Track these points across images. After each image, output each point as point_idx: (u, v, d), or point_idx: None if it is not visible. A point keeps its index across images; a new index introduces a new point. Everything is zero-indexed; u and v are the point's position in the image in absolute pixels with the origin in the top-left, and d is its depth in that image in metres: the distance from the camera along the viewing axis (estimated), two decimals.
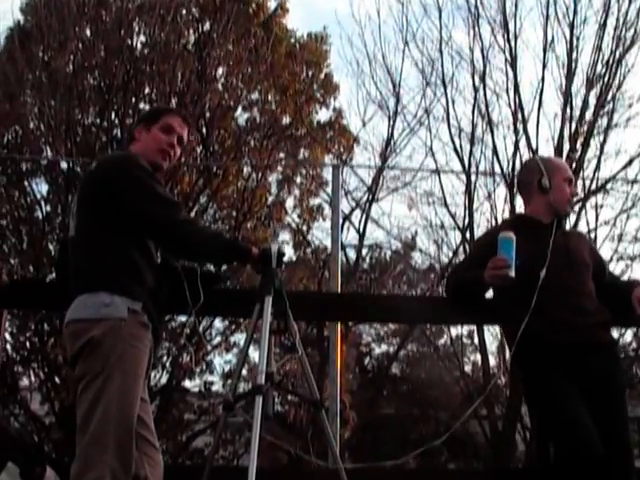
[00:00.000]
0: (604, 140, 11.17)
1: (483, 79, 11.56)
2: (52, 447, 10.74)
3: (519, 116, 11.32)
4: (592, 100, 11.08)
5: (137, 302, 2.47)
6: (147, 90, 10.74)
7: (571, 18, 11.11)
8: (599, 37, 10.99)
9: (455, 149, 11.79)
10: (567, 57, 11.14)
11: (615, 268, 11.29)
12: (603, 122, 11.18)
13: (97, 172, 2.60)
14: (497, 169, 11.46)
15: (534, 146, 11.15)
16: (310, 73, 12.17)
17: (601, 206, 11.26)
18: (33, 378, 11.01)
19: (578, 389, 2.76)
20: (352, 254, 12.90)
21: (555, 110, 11.47)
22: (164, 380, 10.96)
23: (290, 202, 12.70)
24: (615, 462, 2.67)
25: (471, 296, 3.01)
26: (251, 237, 10.85)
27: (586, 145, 11.10)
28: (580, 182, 10.89)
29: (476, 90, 11.61)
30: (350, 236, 12.56)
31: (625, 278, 11.13)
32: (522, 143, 11.28)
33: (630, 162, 11.07)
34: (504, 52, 11.40)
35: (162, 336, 2.81)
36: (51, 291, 3.11)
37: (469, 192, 11.76)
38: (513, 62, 11.37)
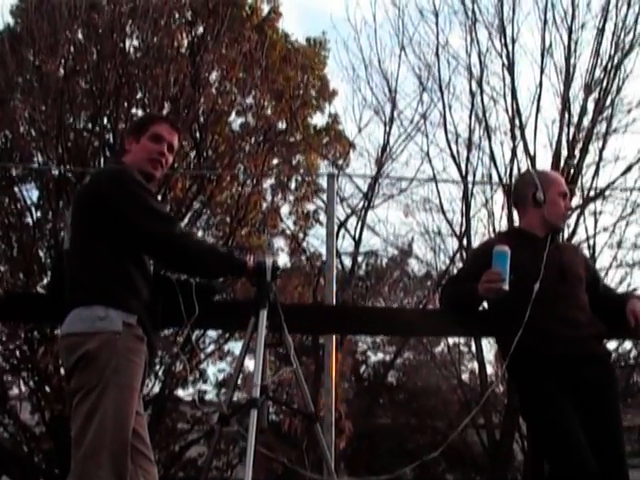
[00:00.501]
0: (603, 146, 11.11)
1: (480, 84, 11.47)
2: (42, 458, 10.61)
3: (517, 122, 11.24)
4: (590, 106, 11.01)
5: (132, 315, 2.49)
6: (140, 95, 10.68)
7: (569, 23, 11.01)
8: (597, 42, 10.91)
9: (452, 155, 11.69)
10: (565, 62, 11.05)
11: (614, 275, 11.27)
12: (602, 128, 11.11)
13: (92, 185, 2.65)
14: (494, 175, 11.39)
15: (532, 152, 11.10)
16: (305, 78, 12.06)
17: (600, 213, 11.21)
18: (23, 387, 10.93)
19: (572, 401, 2.79)
20: (348, 261, 12.80)
21: (553, 116, 11.32)
22: (157, 389, 10.87)
23: (285, 209, 12.62)
24: (608, 475, 2.69)
25: (465, 309, 3.05)
26: (245, 244, 10.74)
27: (584, 151, 11.01)
28: (578, 188, 10.82)
29: (473, 95, 11.53)
30: (346, 243, 12.46)
31: (624, 285, 11.16)
32: (520, 149, 11.21)
33: (629, 168, 11.00)
34: (501, 57, 11.29)
35: (157, 349, 2.85)
36: (44, 303, 3.08)
37: (466, 199, 11.68)
38: (510, 67, 11.28)
